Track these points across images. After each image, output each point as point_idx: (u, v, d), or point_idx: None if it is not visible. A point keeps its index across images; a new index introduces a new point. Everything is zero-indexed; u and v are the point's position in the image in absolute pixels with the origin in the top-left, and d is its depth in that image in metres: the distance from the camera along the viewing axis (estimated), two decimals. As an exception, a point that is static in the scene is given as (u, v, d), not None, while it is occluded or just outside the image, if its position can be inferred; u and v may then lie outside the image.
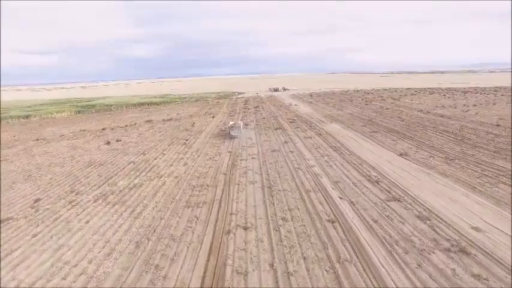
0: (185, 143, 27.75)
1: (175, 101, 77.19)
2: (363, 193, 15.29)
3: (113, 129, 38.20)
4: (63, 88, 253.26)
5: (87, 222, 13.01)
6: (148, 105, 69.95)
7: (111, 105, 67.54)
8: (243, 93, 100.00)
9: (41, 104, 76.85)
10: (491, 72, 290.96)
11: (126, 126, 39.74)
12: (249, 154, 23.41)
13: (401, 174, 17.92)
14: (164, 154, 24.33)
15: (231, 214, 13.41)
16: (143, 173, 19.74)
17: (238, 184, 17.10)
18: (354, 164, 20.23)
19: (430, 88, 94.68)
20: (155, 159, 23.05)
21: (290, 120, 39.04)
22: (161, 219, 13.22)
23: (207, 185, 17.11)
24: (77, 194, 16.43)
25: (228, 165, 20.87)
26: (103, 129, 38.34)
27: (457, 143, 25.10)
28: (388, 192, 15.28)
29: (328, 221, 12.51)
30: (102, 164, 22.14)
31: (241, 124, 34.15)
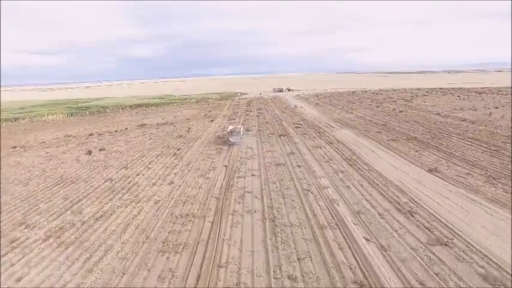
0: (176, 154, 24.17)
1: (175, 102, 73.79)
2: (396, 231, 11.57)
3: (100, 134, 34.79)
4: (68, 88, 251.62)
5: (19, 279, 9.46)
6: (146, 106, 66.57)
7: (107, 107, 64.18)
8: (246, 93, 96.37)
9: (34, 106, 73.84)
10: (498, 71, 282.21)
11: (116, 131, 36.31)
12: (249, 169, 19.77)
13: (439, 200, 14.18)
14: (149, 168, 20.77)
15: (219, 267, 9.79)
16: (118, 195, 16.18)
17: (233, 214, 13.48)
18: (376, 184, 16.49)
19: (441, 88, 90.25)
20: (138, 175, 19.49)
21: (296, 125, 35.33)
22: (123, 273, 9.64)
23: (193, 216, 13.50)
24: (26, 227, 12.90)
25: (222, 185, 17.24)
26: (90, 134, 34.94)
27: (493, 154, 21.28)
28: (429, 230, 11.55)
29: (355, 283, 8.83)
30: (73, 182, 18.62)
31: (242, 129, 30.66)
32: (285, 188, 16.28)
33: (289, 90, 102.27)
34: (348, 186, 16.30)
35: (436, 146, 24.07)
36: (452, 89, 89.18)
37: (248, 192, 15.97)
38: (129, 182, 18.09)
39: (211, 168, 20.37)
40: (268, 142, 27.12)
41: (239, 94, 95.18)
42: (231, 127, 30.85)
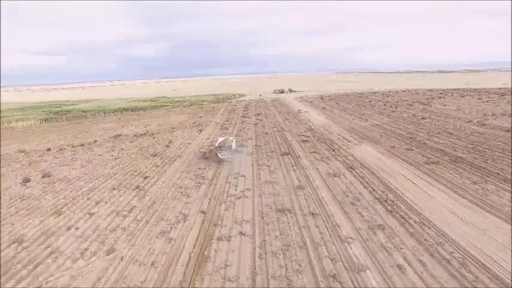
0: (139, 187, 17.44)
1: (166, 105, 67.08)
2: None
3: (61, 149, 28.16)
4: (70, 88, 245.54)
5: None
6: (132, 110, 59.94)
7: (88, 112, 57.44)
8: (245, 95, 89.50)
9: (13, 109, 67.14)
10: (497, 71, 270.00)
11: (82, 145, 29.65)
12: (237, 220, 13.07)
13: None
14: (91, 215, 14.08)
15: None
16: None
17: None
18: (446, 260, 9.79)
19: (455, 89, 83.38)
20: (68, 229, 12.81)
21: (302, 138, 28.60)
22: None
23: None
24: None
25: (190, 257, 10.52)
26: (48, 150, 28.31)
27: None
28: None
29: None
30: (-39, 245, 11.93)
31: (234, 142, 24.19)
32: (295, 270, 9.58)
33: (290, 91, 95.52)
34: (400, 267, 9.59)
35: (498, 173, 17.44)
36: (468, 89, 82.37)
37: (231, 280, 9.26)
38: (46, 248, 11.38)
39: (181, 216, 13.65)
40: (268, 166, 20.39)
41: (237, 96, 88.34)
42: (220, 139, 24.55)
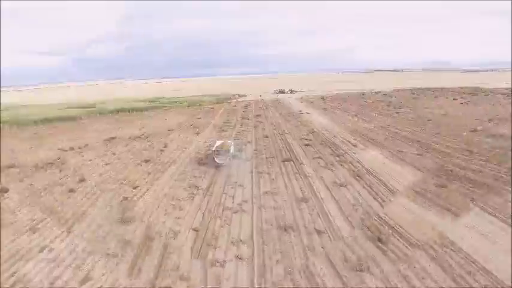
0: (127, 199, 15.93)
1: (164, 106, 65.54)
2: None
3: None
4: (70, 87, 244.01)
5: None
6: (129, 111, 58.42)
7: (83, 113, 55.94)
8: (245, 95, 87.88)
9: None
10: (492, 70, 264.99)
11: (72, 148, 28.13)
12: (233, 240, 11.56)
13: None
14: (69, 233, 12.56)
15: None
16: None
17: None
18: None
19: (456, 89, 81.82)
20: (42, 250, 11.27)
21: (304, 142, 27.10)
22: None
23: None
24: None
25: (177, 291, 9.03)
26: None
27: None
28: None
29: None
30: None
31: (232, 146, 22.93)
32: (300, 308, 8.07)
33: (291, 91, 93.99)
34: (425, 303, 8.08)
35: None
36: (466, 87, 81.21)
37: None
38: (11, 275, 9.86)
39: (171, 233, 12.14)
40: (268, 173, 18.88)
41: (237, 96, 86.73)
42: (218, 143, 23.44)
